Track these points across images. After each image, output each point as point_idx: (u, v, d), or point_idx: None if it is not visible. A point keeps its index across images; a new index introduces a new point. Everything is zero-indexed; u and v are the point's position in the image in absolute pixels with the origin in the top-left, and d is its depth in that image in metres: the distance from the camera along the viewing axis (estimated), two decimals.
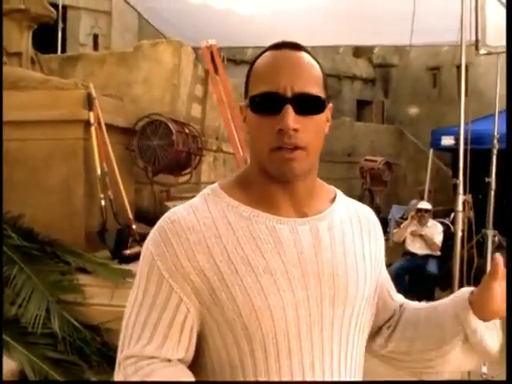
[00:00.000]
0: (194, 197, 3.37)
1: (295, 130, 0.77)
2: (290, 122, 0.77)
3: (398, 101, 11.71)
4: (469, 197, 2.85)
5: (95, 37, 9.09)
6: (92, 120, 3.49)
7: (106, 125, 3.66)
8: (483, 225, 4.12)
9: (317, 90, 0.80)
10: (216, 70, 5.57)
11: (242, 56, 9.53)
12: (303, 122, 0.78)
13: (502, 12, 3.22)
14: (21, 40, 4.10)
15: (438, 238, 4.80)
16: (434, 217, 5.34)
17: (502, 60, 3.94)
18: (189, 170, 4.32)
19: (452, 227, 5.70)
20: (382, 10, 5.53)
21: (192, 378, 0.80)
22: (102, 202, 3.47)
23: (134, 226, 3.53)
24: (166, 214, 0.85)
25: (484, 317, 0.84)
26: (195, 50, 5.69)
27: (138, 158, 3.95)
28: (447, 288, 2.93)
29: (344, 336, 0.86)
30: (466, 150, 3.33)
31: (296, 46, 0.83)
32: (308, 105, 0.79)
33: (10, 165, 3.64)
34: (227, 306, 0.79)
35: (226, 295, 0.79)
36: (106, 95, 4.03)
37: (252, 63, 0.86)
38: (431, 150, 6.29)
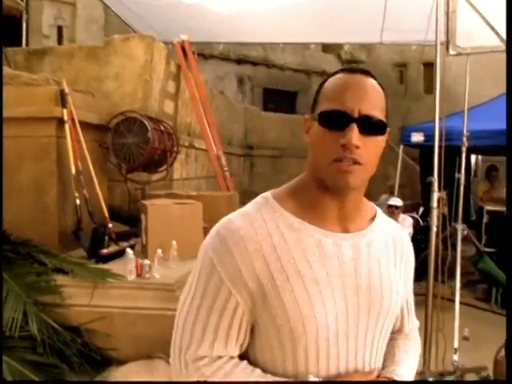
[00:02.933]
0: (167, 194, 3.44)
1: (357, 147, 0.86)
2: (354, 138, 0.85)
3: None
4: (443, 193, 3.00)
5: (59, 28, 8.85)
6: (65, 117, 3.44)
7: (78, 122, 3.62)
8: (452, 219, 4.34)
9: (380, 115, 0.89)
10: (188, 66, 5.57)
11: (211, 51, 9.52)
12: (365, 141, 0.87)
13: (472, 16, 3.39)
14: None
15: (408, 232, 4.99)
16: (403, 211, 5.55)
17: (471, 60, 4.15)
18: (164, 168, 4.32)
19: (421, 221, 5.96)
20: (352, 9, 5.64)
21: (257, 371, 0.90)
22: (77, 201, 3.44)
23: (110, 225, 3.52)
24: (224, 222, 0.92)
25: None
26: (166, 44, 5.67)
27: (113, 156, 3.92)
28: (421, 279, 3.08)
29: (375, 345, 0.96)
30: (440, 147, 3.52)
31: (366, 73, 0.92)
32: (371, 126, 0.88)
33: None
34: (277, 311, 0.86)
35: (278, 301, 0.86)
36: (77, 91, 3.98)
37: (323, 81, 0.95)
38: (401, 147, 6.49)
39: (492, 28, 3.46)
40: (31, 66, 4.91)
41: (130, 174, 4.10)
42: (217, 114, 6.34)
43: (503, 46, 3.93)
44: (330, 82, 0.93)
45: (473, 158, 8.23)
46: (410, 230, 5.09)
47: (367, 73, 0.93)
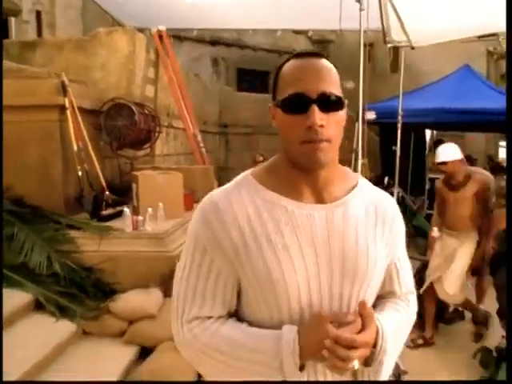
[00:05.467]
0: (151, 168, 4.70)
1: (321, 126, 0.93)
2: (317, 119, 0.93)
3: None
4: (366, 160, 3.95)
5: (38, 13, 9.41)
6: (67, 105, 4.28)
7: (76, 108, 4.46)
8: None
9: (337, 91, 0.97)
10: (166, 53, 6.37)
11: (186, 34, 10.25)
12: (327, 118, 0.94)
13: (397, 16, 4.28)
14: None
15: None
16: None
17: (404, 53, 5.11)
18: (148, 145, 5.21)
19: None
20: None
21: (242, 326, 1.01)
22: (79, 173, 4.32)
23: (107, 192, 4.41)
24: (206, 198, 1.04)
25: None
26: (143, 30, 6.44)
27: (105, 136, 4.78)
28: None
29: (352, 309, 1.01)
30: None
31: (318, 55, 1.00)
32: (330, 104, 0.95)
33: None
34: (251, 276, 0.98)
35: (251, 267, 0.97)
36: (72, 81, 4.78)
37: (278, 69, 1.02)
38: (357, 124, 7.43)
39: (402, 25, 4.40)
40: (25, 57, 5.64)
41: (119, 150, 4.97)
42: (193, 96, 7.16)
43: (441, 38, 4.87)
44: (286, 68, 1.00)
45: (428, 133, 9.24)
46: None
47: (319, 55, 1.00)
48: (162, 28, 6.33)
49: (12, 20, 6.95)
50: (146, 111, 5.14)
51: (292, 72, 0.98)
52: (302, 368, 0.95)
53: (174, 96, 6.21)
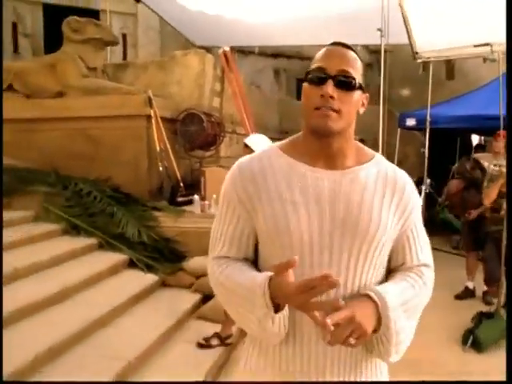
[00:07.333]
0: (216, 166, 6.24)
1: (332, 97, 1.08)
2: (330, 90, 1.08)
3: (392, 83, 13.54)
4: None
5: (124, 36, 11.03)
6: (152, 115, 5.54)
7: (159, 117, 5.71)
8: None
9: (353, 73, 1.11)
10: (230, 70, 7.54)
11: (249, 48, 11.46)
12: (339, 93, 1.09)
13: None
14: (96, 59, 6.15)
15: None
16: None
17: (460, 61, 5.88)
18: (214, 147, 6.38)
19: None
20: (355, 17, 7.32)
21: (244, 267, 1.16)
22: (160, 169, 5.55)
23: (181, 184, 5.61)
24: (236, 163, 1.23)
25: None
26: (211, 49, 7.61)
27: (180, 139, 6.00)
28: None
29: (352, 264, 1.11)
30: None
31: (344, 45, 1.15)
32: (345, 83, 1.10)
33: (94, 146, 5.75)
34: (262, 225, 1.14)
35: (263, 217, 1.14)
36: (155, 95, 6.06)
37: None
38: (399, 130, 8.16)
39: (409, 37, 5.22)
40: (117, 76, 7.03)
41: (191, 151, 6.18)
42: (254, 106, 8.27)
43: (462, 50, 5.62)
44: (318, 53, 1.15)
45: (476, 138, 9.69)
46: None
47: (347, 45, 1.14)
48: (227, 48, 7.50)
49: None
50: (213, 119, 6.32)
51: (321, 54, 1.14)
52: (278, 310, 1.06)
53: (237, 106, 7.35)
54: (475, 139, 9.63)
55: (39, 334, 2.92)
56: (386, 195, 1.16)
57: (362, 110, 1.16)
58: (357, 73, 1.12)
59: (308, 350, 1.12)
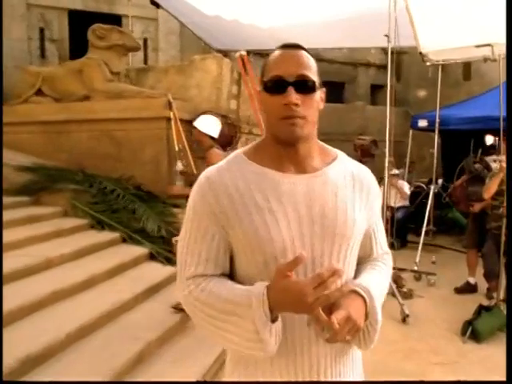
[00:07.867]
0: None
1: (296, 105, 1.09)
2: (293, 98, 1.09)
3: (409, 85, 13.65)
4: (392, 158, 5.06)
5: (145, 40, 11.43)
6: (171, 117, 5.87)
7: (178, 119, 6.03)
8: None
9: (311, 76, 1.12)
10: (247, 73, 7.83)
11: (266, 51, 11.72)
12: (302, 98, 1.10)
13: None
14: (119, 64, 6.53)
15: (407, 192, 7.05)
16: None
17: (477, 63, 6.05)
18: (231, 147, 6.68)
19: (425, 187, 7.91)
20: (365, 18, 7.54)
21: (228, 282, 1.13)
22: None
23: None
24: (203, 174, 1.19)
25: None
26: (228, 52, 7.91)
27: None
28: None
29: (334, 263, 1.12)
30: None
31: (297, 46, 1.16)
32: (306, 86, 1.11)
33: (117, 146, 6.12)
34: (242, 237, 1.12)
35: (241, 229, 1.12)
36: (175, 98, 6.39)
37: (266, 60, 1.18)
38: (411, 131, 8.32)
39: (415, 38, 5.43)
40: (140, 79, 7.40)
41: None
42: None
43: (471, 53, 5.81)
44: (270, 58, 1.16)
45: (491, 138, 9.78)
46: (408, 191, 7.12)
47: (299, 46, 1.15)
48: (243, 53, 7.78)
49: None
50: (229, 121, 6.63)
51: (275, 60, 1.14)
52: (274, 320, 1.05)
53: (253, 108, 7.63)
54: (489, 140, 9.70)
55: (71, 315, 3.27)
56: (355, 193, 1.21)
57: (321, 105, 1.18)
58: (313, 73, 1.13)
59: (301, 357, 1.13)
